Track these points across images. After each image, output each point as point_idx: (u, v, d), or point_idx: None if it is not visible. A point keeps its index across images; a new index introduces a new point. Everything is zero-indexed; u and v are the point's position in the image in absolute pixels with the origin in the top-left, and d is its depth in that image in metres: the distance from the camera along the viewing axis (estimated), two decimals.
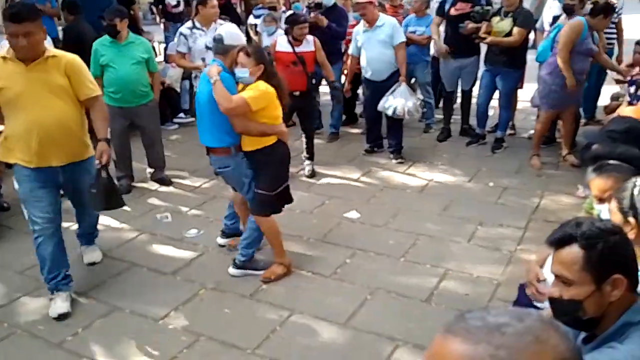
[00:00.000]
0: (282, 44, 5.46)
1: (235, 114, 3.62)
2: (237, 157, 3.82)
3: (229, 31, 3.87)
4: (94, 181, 3.59)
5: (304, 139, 5.84)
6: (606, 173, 2.35)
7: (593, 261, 1.55)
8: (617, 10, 6.86)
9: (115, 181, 3.97)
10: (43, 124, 3.36)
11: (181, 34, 5.58)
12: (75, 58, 3.51)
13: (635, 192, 1.96)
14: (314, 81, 5.62)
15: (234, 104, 3.54)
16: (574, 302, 1.58)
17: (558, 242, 1.63)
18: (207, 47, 5.33)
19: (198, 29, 5.55)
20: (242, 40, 3.96)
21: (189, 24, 5.63)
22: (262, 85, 3.65)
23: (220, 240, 4.43)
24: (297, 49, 5.38)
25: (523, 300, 2.67)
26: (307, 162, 5.88)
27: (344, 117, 7.31)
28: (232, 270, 4.00)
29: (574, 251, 1.58)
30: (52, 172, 3.51)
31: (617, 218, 1.98)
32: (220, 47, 3.81)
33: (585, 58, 5.46)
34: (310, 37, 5.46)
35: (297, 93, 5.33)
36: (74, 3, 6.76)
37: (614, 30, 6.73)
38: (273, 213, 3.92)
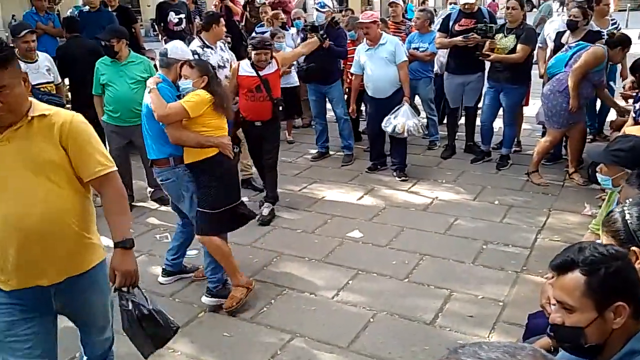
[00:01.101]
0: (244, 68, 5.00)
1: (169, 122, 3.57)
2: (178, 170, 3.72)
3: (174, 46, 3.91)
4: (103, 298, 2.55)
5: (266, 176, 5.32)
6: None
7: (594, 287, 1.53)
8: (617, 26, 6.84)
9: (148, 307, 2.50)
10: (23, 223, 2.15)
11: (195, 52, 5.42)
12: (74, 118, 2.26)
13: (628, 219, 1.89)
14: (280, 108, 5.07)
15: (168, 110, 3.52)
16: (576, 329, 1.56)
17: (559, 267, 1.61)
18: (219, 66, 5.28)
19: (208, 47, 5.46)
20: (187, 55, 3.94)
21: (198, 42, 5.53)
22: (202, 91, 3.60)
23: (162, 280, 4.13)
24: (262, 72, 4.93)
25: (532, 327, 2.59)
26: (266, 205, 5.21)
27: None
28: (205, 299, 3.81)
29: (575, 277, 1.56)
30: (42, 295, 2.30)
31: None
32: (164, 61, 3.82)
33: (592, 86, 5.49)
34: (272, 60, 5.02)
35: (259, 123, 5.05)
36: (72, 20, 6.73)
37: None
38: (218, 234, 3.70)
